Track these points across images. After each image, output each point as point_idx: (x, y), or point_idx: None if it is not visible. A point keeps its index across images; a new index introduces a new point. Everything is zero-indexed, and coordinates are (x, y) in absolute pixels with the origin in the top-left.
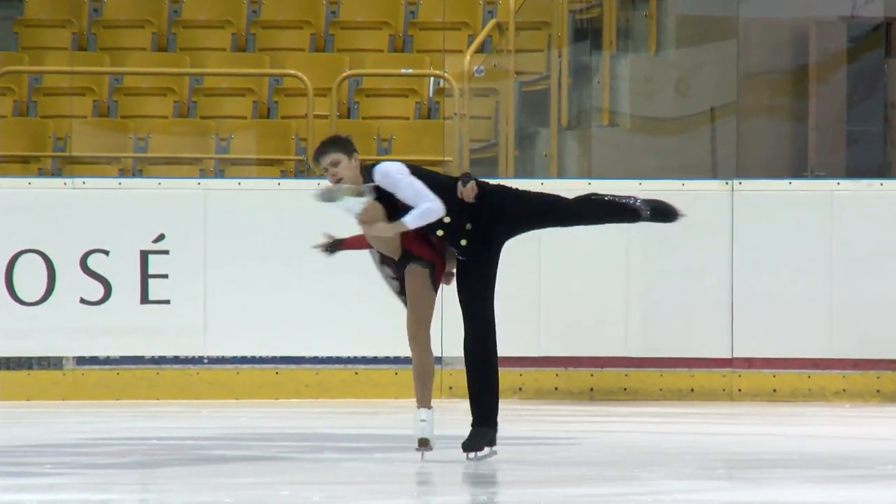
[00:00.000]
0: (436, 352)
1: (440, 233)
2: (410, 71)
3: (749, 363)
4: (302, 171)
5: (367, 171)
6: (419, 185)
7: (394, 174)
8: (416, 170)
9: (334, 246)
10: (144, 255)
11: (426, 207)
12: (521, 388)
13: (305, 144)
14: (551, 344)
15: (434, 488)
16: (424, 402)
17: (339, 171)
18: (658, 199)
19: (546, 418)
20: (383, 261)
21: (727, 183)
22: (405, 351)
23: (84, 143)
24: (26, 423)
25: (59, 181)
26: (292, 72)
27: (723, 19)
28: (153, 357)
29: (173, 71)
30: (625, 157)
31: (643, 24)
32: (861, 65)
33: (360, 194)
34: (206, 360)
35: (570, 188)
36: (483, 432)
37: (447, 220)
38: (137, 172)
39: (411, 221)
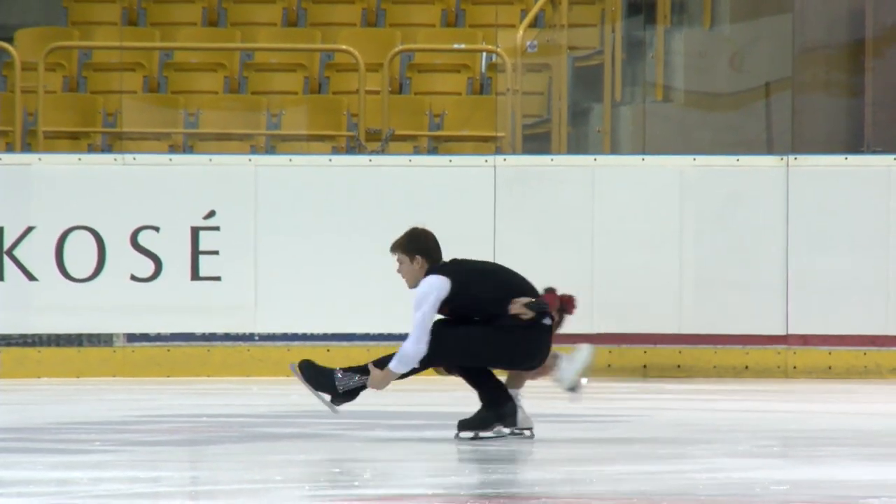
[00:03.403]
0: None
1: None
2: (463, 46)
3: (804, 340)
4: (353, 147)
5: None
6: (420, 318)
7: (418, 294)
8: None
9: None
10: (195, 232)
11: (404, 351)
12: None
13: (357, 120)
14: (604, 321)
15: (486, 466)
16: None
17: (401, 270)
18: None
19: (599, 396)
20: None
21: (782, 158)
22: None
23: (134, 118)
24: (76, 400)
25: (108, 157)
26: (344, 47)
27: None
28: (203, 334)
29: (224, 46)
30: (679, 132)
31: None
32: None
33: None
34: (256, 338)
35: (623, 164)
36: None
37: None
38: (188, 148)
39: (393, 366)
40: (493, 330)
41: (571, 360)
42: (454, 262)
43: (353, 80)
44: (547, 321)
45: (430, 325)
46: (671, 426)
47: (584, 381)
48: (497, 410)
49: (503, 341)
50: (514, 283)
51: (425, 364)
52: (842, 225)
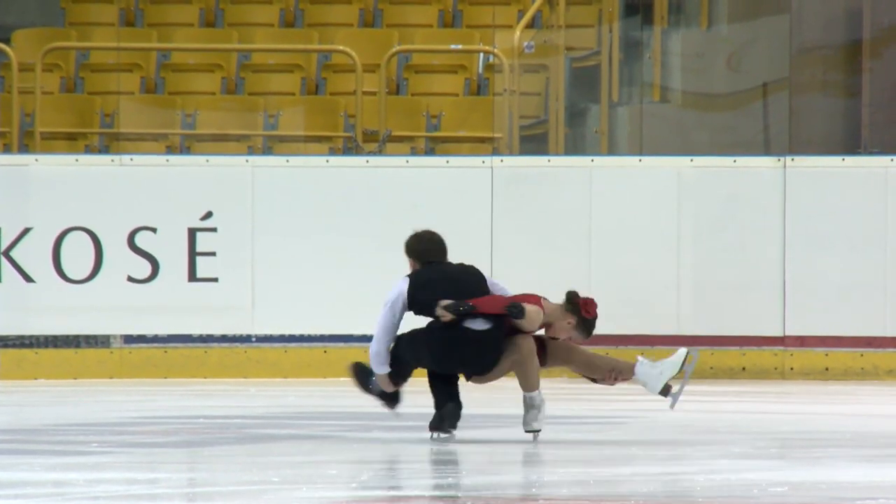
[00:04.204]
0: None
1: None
2: (460, 47)
3: (801, 341)
4: (350, 148)
5: None
6: (379, 318)
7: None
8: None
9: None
10: (192, 233)
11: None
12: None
13: (354, 121)
14: (602, 322)
15: (483, 467)
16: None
17: None
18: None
19: (596, 397)
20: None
21: (779, 159)
22: None
23: (131, 119)
24: (73, 402)
25: (106, 158)
26: (341, 47)
27: None
28: (201, 335)
29: (221, 47)
30: (676, 133)
31: None
32: None
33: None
34: (253, 339)
35: (620, 165)
36: None
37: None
38: (185, 149)
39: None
40: (420, 332)
41: (655, 365)
42: (430, 265)
43: (350, 81)
44: (477, 325)
45: (388, 325)
46: (669, 428)
47: (676, 386)
48: (437, 412)
49: (420, 343)
50: (465, 290)
51: (400, 368)
52: (839, 226)
